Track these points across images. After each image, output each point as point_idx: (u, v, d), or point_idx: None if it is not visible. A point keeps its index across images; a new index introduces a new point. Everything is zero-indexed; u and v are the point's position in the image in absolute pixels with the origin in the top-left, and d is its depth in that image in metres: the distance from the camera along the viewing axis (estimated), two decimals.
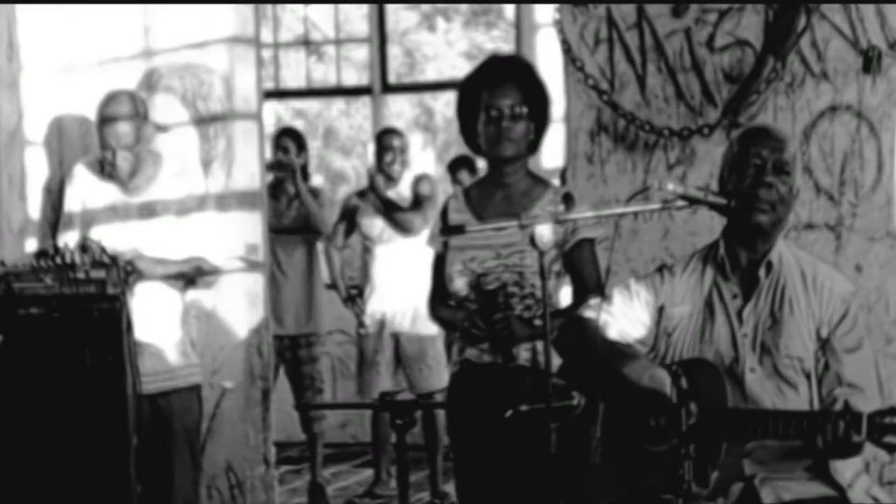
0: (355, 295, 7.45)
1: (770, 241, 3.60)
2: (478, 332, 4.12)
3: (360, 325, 7.31)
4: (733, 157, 3.61)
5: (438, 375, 7.08)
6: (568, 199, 4.16)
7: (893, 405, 3.25)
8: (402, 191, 7.26)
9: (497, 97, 4.18)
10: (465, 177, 8.28)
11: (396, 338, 7.19)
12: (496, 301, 4.13)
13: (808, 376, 3.54)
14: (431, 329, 6.65)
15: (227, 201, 5.73)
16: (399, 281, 7.06)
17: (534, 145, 4.30)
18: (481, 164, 4.89)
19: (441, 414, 7.02)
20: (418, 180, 7.29)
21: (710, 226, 3.70)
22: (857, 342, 3.55)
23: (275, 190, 7.26)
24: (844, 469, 3.50)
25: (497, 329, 4.08)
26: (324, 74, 11.20)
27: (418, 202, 7.17)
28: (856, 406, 3.36)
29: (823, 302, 3.56)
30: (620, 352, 3.62)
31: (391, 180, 7.27)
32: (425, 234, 4.68)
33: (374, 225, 7.23)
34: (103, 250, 4.81)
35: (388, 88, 9.97)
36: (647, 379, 3.49)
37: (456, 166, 8.54)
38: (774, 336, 3.54)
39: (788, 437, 3.35)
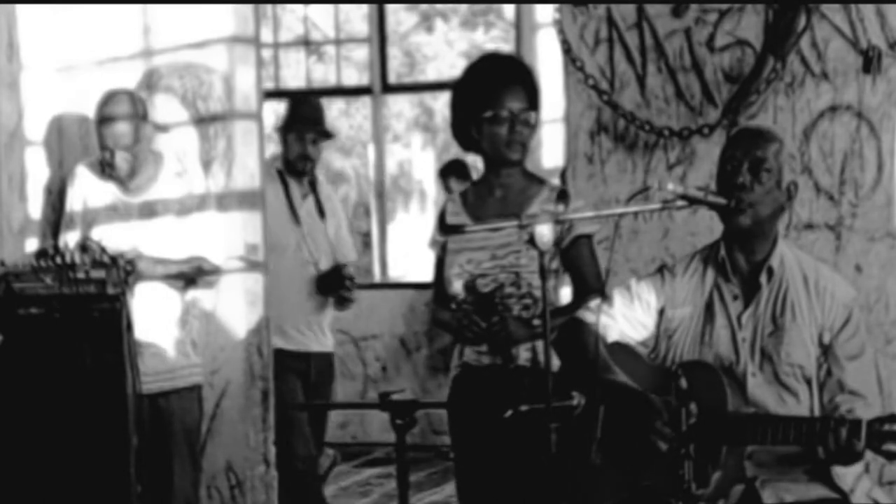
0: None
1: (763, 242, 3.58)
2: (478, 331, 4.09)
3: None
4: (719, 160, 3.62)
5: None
6: (563, 197, 4.15)
7: (893, 412, 3.25)
8: None
9: (509, 99, 4.12)
10: (454, 184, 8.24)
11: None
12: (492, 303, 4.11)
13: (809, 382, 3.52)
14: None
15: (227, 201, 5.72)
16: None
17: None
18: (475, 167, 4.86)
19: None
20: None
21: (710, 226, 3.70)
22: (859, 349, 3.54)
23: None
24: (846, 473, 3.49)
25: (494, 331, 4.06)
26: (324, 74, 11.20)
27: None
28: (857, 414, 3.35)
29: (826, 307, 3.54)
30: (607, 367, 3.60)
31: None
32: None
33: None
34: (103, 250, 4.80)
35: (388, 88, 9.95)
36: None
37: (446, 172, 8.49)
38: (776, 343, 3.52)
39: (788, 442, 3.35)
